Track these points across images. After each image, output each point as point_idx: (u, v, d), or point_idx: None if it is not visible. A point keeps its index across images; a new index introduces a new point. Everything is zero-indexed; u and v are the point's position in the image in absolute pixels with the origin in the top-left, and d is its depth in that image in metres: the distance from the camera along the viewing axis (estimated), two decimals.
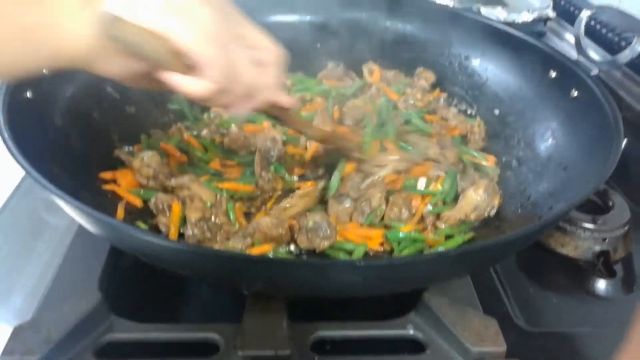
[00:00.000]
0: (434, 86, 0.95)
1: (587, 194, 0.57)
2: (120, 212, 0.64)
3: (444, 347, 0.56)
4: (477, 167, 0.81)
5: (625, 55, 0.70)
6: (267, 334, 0.54)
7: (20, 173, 0.80)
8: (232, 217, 0.64)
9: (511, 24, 1.19)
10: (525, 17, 1.19)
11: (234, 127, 0.80)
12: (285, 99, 0.60)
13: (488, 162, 0.81)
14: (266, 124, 0.81)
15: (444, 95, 0.94)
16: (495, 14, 1.19)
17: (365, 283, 0.49)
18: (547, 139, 0.76)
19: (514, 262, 0.82)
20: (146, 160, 0.69)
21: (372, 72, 0.98)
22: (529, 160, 0.78)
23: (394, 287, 0.55)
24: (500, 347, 0.55)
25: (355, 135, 0.80)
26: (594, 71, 0.72)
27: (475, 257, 0.54)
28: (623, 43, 0.76)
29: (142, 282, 0.67)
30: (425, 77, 0.94)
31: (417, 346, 0.57)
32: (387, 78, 0.97)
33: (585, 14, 0.76)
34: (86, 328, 0.55)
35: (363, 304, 0.65)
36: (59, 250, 0.66)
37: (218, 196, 0.66)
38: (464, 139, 0.87)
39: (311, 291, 0.54)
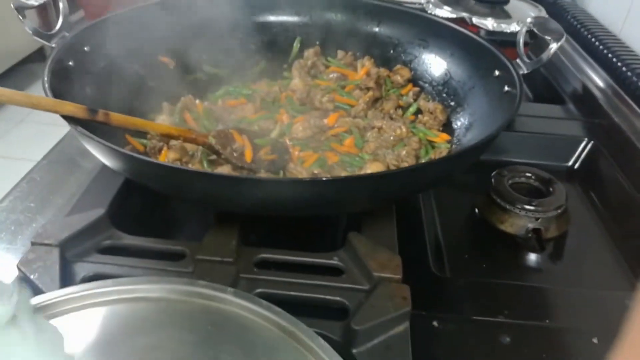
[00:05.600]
0: (408, 81, 1.10)
1: (485, 141, 0.74)
2: None
3: (356, 272, 0.71)
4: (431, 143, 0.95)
5: (545, 56, 0.83)
6: (219, 248, 0.71)
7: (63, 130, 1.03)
8: (205, 165, 0.83)
9: (500, 33, 1.32)
10: (513, 27, 1.31)
11: (219, 102, 0.99)
12: None
13: (439, 137, 0.95)
14: (242, 100, 1.00)
15: (414, 89, 1.08)
16: (485, 23, 1.32)
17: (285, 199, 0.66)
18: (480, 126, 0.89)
19: (459, 234, 0.96)
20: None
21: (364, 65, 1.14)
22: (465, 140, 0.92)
23: (317, 207, 0.72)
24: (397, 275, 0.69)
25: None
26: (523, 70, 0.84)
27: (385, 181, 0.69)
28: None
29: (139, 209, 0.88)
30: (400, 73, 1.09)
31: (337, 272, 0.73)
32: (371, 73, 1.12)
33: (526, 22, 0.90)
34: (92, 233, 0.74)
35: (304, 243, 0.81)
36: (85, 183, 0.87)
37: (198, 148, 0.85)
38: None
39: (250, 204, 0.71)
